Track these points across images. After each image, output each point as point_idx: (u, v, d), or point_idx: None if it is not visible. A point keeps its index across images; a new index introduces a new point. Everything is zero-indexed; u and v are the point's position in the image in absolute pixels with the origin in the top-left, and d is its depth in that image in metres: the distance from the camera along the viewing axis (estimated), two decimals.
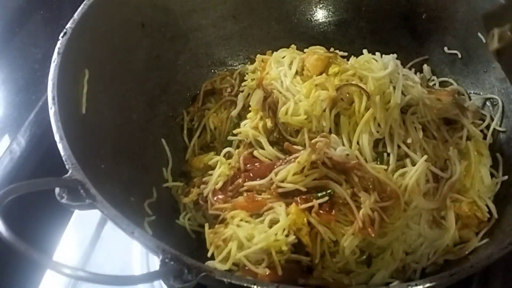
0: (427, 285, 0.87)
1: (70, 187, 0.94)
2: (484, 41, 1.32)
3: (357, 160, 1.12)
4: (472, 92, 1.39)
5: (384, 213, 1.08)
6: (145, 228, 1.11)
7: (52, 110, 1.03)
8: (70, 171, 0.96)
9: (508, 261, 1.17)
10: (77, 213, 1.33)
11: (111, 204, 0.96)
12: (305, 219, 1.08)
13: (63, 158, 0.98)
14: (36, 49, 1.70)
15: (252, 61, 1.41)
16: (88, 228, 1.32)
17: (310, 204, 1.08)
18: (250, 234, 1.06)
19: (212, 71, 1.46)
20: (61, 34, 1.14)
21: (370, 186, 1.09)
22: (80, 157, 1.01)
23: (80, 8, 1.19)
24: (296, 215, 1.07)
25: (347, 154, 1.13)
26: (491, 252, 0.95)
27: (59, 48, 1.12)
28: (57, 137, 1.00)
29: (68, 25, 1.16)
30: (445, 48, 1.41)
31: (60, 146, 1.00)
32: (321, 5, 1.50)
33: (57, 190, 0.94)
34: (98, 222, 1.33)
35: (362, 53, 1.38)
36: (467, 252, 1.11)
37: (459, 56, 1.39)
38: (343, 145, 1.16)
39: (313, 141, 1.14)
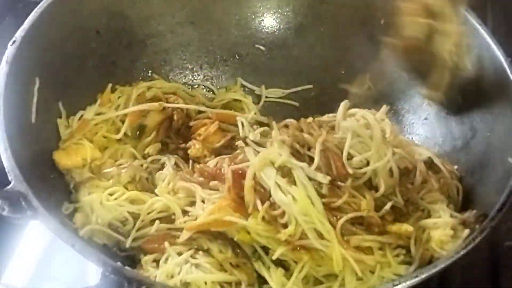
0: None
1: (11, 199, 0.94)
2: None
3: None
4: None
5: None
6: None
7: None
8: (12, 183, 0.96)
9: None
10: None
11: (55, 216, 0.96)
12: None
13: (6, 170, 0.97)
14: None
15: None
16: (43, 239, 1.29)
17: None
18: None
19: (170, 77, 1.44)
20: (10, 43, 1.13)
21: None
22: (25, 168, 1.00)
23: (30, 16, 1.18)
24: None
25: None
26: None
27: (7, 57, 1.11)
28: (1, 148, 1.00)
29: (18, 33, 1.15)
30: None
31: (3, 157, 0.99)
32: (280, 10, 1.48)
33: None
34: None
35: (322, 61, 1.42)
36: None
37: None
38: None
39: None
